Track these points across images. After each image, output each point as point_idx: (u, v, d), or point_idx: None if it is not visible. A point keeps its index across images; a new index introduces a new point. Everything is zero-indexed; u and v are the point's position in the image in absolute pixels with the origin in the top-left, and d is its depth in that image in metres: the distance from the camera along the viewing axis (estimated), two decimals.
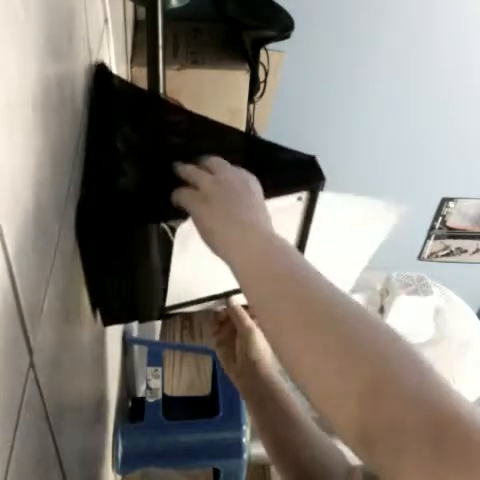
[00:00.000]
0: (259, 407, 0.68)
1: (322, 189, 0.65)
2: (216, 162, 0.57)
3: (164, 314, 0.74)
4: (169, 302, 0.72)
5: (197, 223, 0.54)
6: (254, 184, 0.56)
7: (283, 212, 0.63)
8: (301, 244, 0.71)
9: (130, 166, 0.66)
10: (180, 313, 0.76)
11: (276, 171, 0.65)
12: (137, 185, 0.63)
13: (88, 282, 0.64)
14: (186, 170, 0.57)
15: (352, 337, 0.37)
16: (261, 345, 0.70)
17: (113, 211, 0.59)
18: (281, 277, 0.45)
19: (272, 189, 0.61)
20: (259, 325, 0.47)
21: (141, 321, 0.75)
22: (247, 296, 0.47)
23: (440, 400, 0.32)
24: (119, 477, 1.16)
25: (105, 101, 0.70)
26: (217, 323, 0.74)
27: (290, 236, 0.70)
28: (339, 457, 0.63)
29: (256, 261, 0.47)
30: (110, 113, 0.68)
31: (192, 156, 0.62)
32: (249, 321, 0.71)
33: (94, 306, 0.68)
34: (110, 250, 0.61)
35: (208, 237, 0.52)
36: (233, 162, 0.59)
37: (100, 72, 0.74)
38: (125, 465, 1.09)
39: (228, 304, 0.73)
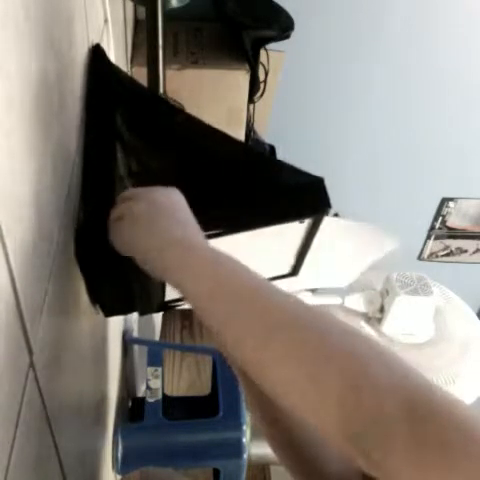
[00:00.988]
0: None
1: (327, 214, 0.65)
2: (136, 190, 0.56)
3: (163, 308, 0.74)
4: (169, 297, 0.72)
5: (130, 247, 0.51)
6: (177, 197, 0.55)
7: (283, 230, 0.63)
8: (298, 262, 0.71)
9: (127, 185, 0.66)
10: (179, 307, 0.76)
11: (282, 195, 0.64)
12: None
13: (87, 286, 0.64)
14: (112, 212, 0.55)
15: (318, 340, 0.37)
16: None
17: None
18: (237, 295, 0.43)
19: (276, 215, 0.60)
20: (221, 346, 0.45)
21: (141, 314, 0.76)
22: (204, 318, 0.45)
23: (411, 384, 0.33)
24: (119, 477, 1.16)
25: (102, 96, 0.69)
26: None
27: (287, 252, 0.70)
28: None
29: (207, 283, 0.45)
30: (108, 112, 0.68)
31: (191, 177, 0.61)
32: None
33: (93, 303, 0.69)
34: (108, 261, 0.61)
35: (146, 258, 0.50)
36: (235, 180, 0.59)
37: (95, 55, 0.72)
38: (125, 465, 1.09)
39: None
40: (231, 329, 0.42)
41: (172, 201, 0.54)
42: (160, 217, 0.51)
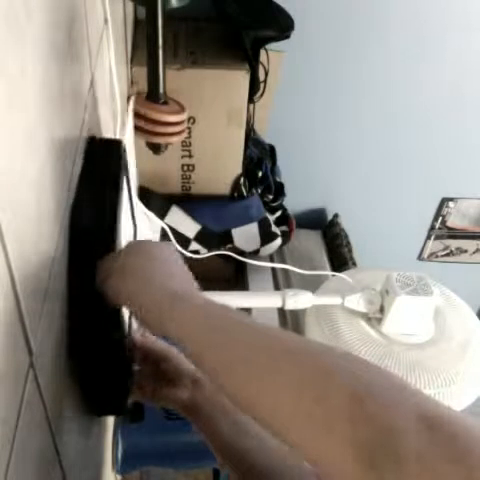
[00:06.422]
0: (211, 425, 0.67)
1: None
2: (128, 244, 0.56)
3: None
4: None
5: (120, 299, 0.51)
6: (170, 251, 0.55)
7: None
8: None
9: None
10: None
11: None
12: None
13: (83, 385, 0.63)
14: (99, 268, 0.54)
15: (319, 364, 0.38)
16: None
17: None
18: (231, 337, 0.44)
19: None
20: (223, 391, 0.44)
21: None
22: (200, 366, 0.46)
23: (417, 398, 0.34)
24: (119, 477, 1.16)
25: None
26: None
27: None
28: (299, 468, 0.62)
29: (203, 332, 0.46)
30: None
31: None
32: (161, 343, 0.70)
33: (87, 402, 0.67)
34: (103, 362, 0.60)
35: (143, 311, 0.49)
36: None
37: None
38: (125, 465, 1.09)
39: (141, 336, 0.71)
40: (229, 371, 0.43)
41: (165, 254, 0.54)
42: (154, 270, 0.51)
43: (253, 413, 0.41)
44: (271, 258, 1.80)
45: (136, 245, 0.56)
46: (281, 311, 1.55)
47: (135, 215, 0.78)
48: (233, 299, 1.14)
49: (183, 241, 1.59)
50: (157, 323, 0.49)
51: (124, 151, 0.70)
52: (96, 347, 0.58)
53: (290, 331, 0.44)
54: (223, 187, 1.65)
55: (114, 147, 0.70)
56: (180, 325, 0.47)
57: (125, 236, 0.65)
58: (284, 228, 1.80)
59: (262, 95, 1.57)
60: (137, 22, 1.48)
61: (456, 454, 0.30)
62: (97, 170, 0.64)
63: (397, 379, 0.37)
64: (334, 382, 0.36)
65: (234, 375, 0.42)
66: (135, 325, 0.70)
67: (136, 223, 0.78)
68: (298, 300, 1.08)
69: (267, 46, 1.52)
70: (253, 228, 1.68)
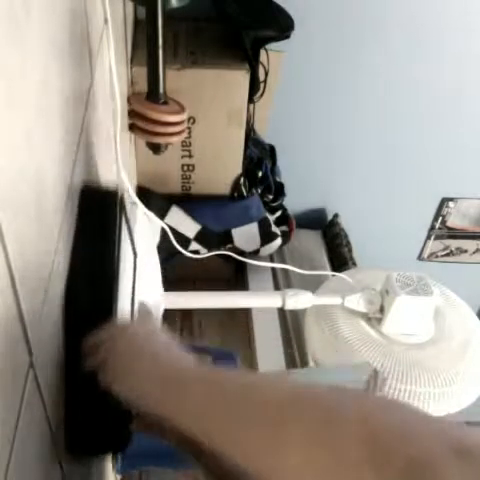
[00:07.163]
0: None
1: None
2: (111, 329, 0.55)
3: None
4: None
5: (121, 387, 0.50)
6: (153, 324, 0.55)
7: None
8: None
9: None
10: None
11: None
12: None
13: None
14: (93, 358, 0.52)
15: (325, 408, 0.36)
16: None
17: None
18: (234, 402, 0.42)
19: None
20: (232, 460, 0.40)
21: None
22: (209, 439, 0.43)
23: (441, 427, 0.32)
24: (119, 477, 1.16)
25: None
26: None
27: None
28: None
29: (200, 402, 0.44)
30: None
31: None
32: None
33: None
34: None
35: (140, 394, 0.48)
36: None
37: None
38: (125, 465, 1.09)
39: None
40: (237, 438, 0.40)
41: (149, 329, 0.54)
42: (143, 351, 0.51)
43: (252, 467, 0.38)
44: (271, 258, 1.80)
45: (118, 330, 0.55)
46: (281, 311, 1.55)
47: (135, 244, 0.76)
48: (233, 299, 1.14)
49: (183, 241, 1.59)
50: (152, 403, 0.48)
51: (122, 201, 0.69)
52: (95, 392, 0.55)
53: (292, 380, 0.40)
54: (223, 187, 1.65)
55: (111, 200, 0.68)
56: (174, 401, 0.46)
57: (126, 274, 0.64)
58: (284, 228, 1.80)
59: (262, 95, 1.57)
60: (137, 22, 1.48)
61: None
62: (92, 228, 0.63)
63: (410, 409, 0.35)
64: (346, 428, 0.33)
65: (239, 439, 0.40)
66: None
67: (136, 252, 0.77)
68: (298, 300, 1.08)
69: (267, 46, 1.52)
70: (253, 228, 1.68)
